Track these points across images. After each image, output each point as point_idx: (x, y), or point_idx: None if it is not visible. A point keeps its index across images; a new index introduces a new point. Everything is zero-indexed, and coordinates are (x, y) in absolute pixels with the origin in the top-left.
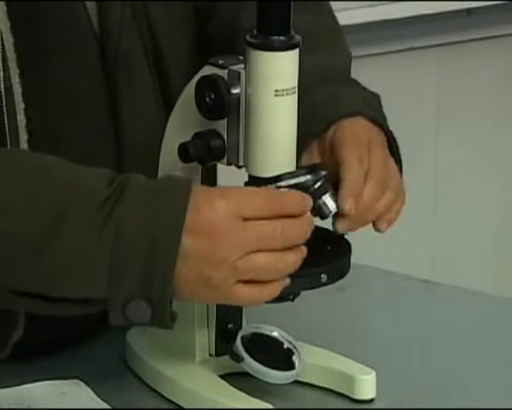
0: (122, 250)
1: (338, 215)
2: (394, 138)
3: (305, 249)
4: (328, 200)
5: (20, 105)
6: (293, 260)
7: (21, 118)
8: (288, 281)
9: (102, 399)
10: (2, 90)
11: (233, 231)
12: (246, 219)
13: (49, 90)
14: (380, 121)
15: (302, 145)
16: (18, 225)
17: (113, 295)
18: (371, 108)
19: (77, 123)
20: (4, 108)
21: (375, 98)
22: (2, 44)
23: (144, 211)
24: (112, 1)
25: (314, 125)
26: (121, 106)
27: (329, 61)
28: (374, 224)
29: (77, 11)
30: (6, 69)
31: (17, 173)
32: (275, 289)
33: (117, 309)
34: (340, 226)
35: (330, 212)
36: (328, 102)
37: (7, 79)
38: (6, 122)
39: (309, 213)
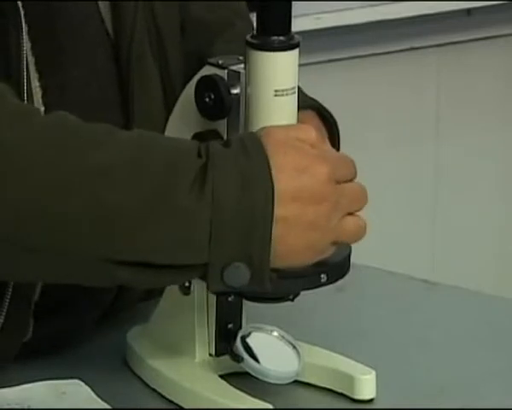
0: (220, 216)
1: None
2: (337, 127)
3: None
4: None
5: (40, 107)
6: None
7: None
8: None
9: (102, 399)
10: (25, 93)
11: (328, 197)
12: (338, 183)
13: (67, 93)
14: (327, 116)
15: None
16: (124, 198)
17: (213, 259)
18: (317, 104)
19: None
20: None
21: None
22: (20, 47)
23: (233, 174)
24: (125, 0)
25: None
26: (133, 107)
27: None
28: None
29: (90, 13)
30: (28, 74)
31: (119, 149)
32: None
33: (216, 274)
34: None
35: None
36: None
37: (28, 82)
38: None
39: None
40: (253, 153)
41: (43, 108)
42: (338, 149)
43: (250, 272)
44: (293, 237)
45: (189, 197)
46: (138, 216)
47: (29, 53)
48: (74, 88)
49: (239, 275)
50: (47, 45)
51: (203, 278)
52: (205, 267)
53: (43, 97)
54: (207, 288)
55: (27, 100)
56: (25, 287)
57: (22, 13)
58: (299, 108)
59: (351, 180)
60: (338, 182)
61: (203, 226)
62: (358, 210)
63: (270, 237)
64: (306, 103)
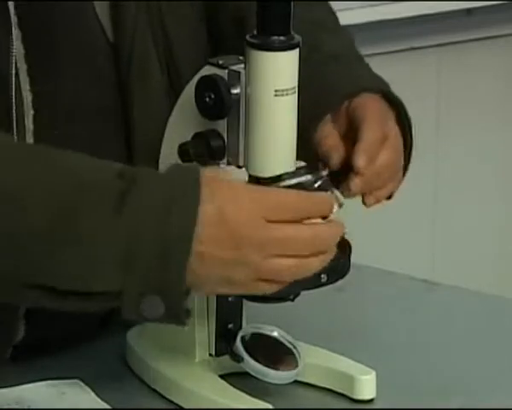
0: (136, 245)
1: (352, 175)
2: (407, 117)
3: (333, 251)
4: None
5: (30, 112)
6: (317, 265)
7: (30, 125)
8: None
9: (102, 399)
10: (13, 99)
11: (257, 234)
12: (270, 222)
13: (59, 99)
14: (392, 96)
15: (314, 119)
16: (34, 221)
17: (128, 288)
18: (384, 84)
19: (87, 130)
20: (14, 116)
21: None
22: (11, 53)
23: (155, 203)
24: (125, 0)
25: (332, 97)
26: (133, 113)
27: (339, 42)
28: (363, 195)
29: (89, 20)
30: (18, 80)
31: (29, 169)
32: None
33: (131, 303)
34: (353, 186)
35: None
36: (346, 76)
37: (17, 88)
38: (14, 128)
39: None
40: (184, 183)
41: (32, 113)
42: (408, 132)
43: (164, 305)
44: (207, 273)
45: (104, 221)
46: (46, 239)
47: (22, 60)
48: (68, 94)
49: (154, 308)
50: (41, 52)
51: (117, 305)
52: (119, 296)
53: (33, 102)
54: (122, 315)
55: (16, 104)
56: None
57: (15, 20)
58: (366, 89)
59: (293, 222)
60: (269, 221)
61: (117, 253)
62: (297, 254)
63: (184, 275)
64: (372, 86)
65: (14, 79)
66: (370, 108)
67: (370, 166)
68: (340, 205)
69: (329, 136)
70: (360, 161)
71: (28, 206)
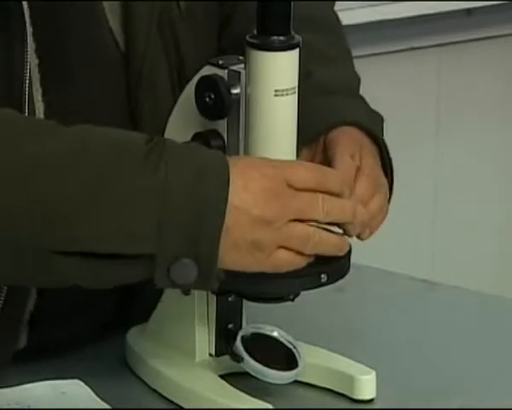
0: (170, 207)
1: None
2: (389, 156)
3: (347, 242)
4: None
5: None
6: (334, 241)
7: None
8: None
9: (102, 399)
10: (26, 111)
11: (281, 195)
12: (291, 187)
13: (71, 109)
14: (374, 133)
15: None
16: (67, 186)
17: (161, 251)
18: (369, 120)
19: None
20: None
21: (377, 116)
22: (25, 63)
23: (190, 168)
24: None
25: (310, 129)
26: (143, 125)
27: (340, 75)
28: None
29: (101, 30)
30: (31, 91)
31: (59, 138)
32: (304, 263)
33: (163, 268)
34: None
35: None
36: (327, 109)
37: (30, 99)
38: None
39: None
40: (211, 153)
41: None
42: (391, 177)
43: (197, 270)
44: (237, 237)
45: (137, 183)
46: (79, 203)
47: (35, 70)
48: (79, 105)
49: (186, 272)
50: (54, 62)
51: (149, 273)
52: (151, 261)
53: (45, 112)
54: (153, 282)
55: (28, 114)
56: (17, 296)
57: (30, 30)
58: (345, 123)
59: (311, 190)
60: (291, 186)
61: (151, 216)
62: (311, 220)
63: (220, 236)
64: (352, 120)
65: (27, 89)
66: (341, 138)
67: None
68: None
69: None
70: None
71: (60, 172)
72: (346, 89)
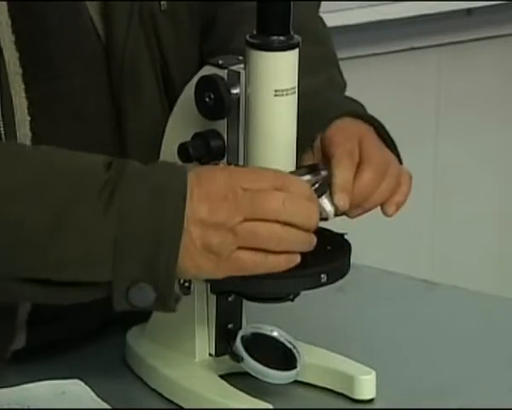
0: (126, 233)
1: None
2: (386, 131)
3: (314, 237)
4: (324, 201)
5: (26, 119)
6: (299, 236)
7: (27, 132)
8: (298, 259)
9: (102, 399)
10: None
11: (232, 196)
12: (246, 190)
13: (55, 105)
14: (368, 117)
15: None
16: (28, 215)
17: (117, 278)
18: (359, 109)
19: (82, 136)
20: (0, 121)
21: (361, 105)
22: (2, 58)
23: (143, 193)
24: (117, 13)
25: (306, 134)
26: (127, 118)
27: (320, 81)
28: (382, 207)
29: (83, 24)
30: (7, 84)
31: (23, 166)
32: (281, 261)
33: (120, 293)
34: (350, 214)
35: (330, 211)
36: (318, 109)
37: (7, 94)
38: (3, 134)
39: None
40: (171, 173)
41: (29, 119)
42: (395, 150)
43: (155, 293)
44: (188, 240)
45: (93, 213)
46: (38, 233)
47: (17, 64)
48: (63, 100)
49: (144, 296)
50: (35, 57)
51: (109, 296)
52: (109, 286)
53: (28, 109)
54: (113, 306)
55: (12, 111)
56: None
57: (9, 22)
58: (333, 117)
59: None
60: (245, 189)
61: (107, 242)
62: (268, 218)
63: (176, 259)
64: (339, 111)
65: (5, 82)
66: (336, 134)
67: (350, 198)
68: (328, 214)
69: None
70: (339, 202)
71: (20, 202)
72: (332, 86)
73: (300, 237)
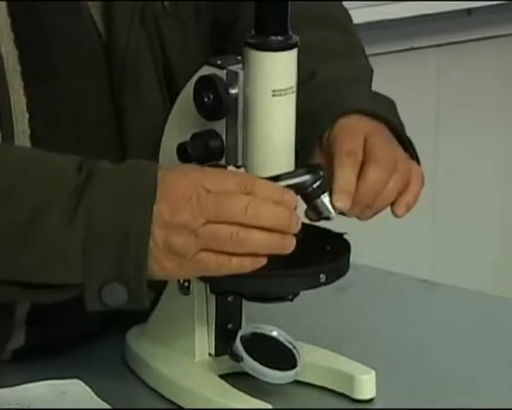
0: (93, 236)
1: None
2: (403, 131)
3: (289, 239)
4: (326, 200)
5: (24, 116)
6: (260, 237)
7: (25, 128)
8: (263, 261)
9: (102, 399)
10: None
11: (195, 198)
12: (211, 192)
13: (54, 103)
14: (380, 113)
15: (306, 152)
16: (1, 218)
17: (88, 279)
18: (373, 104)
19: (81, 136)
20: None
21: (384, 98)
22: (0, 55)
23: (111, 194)
24: (119, 14)
25: (315, 130)
26: (127, 119)
27: (344, 69)
28: (391, 208)
29: (84, 24)
30: (5, 81)
31: None
32: (245, 263)
33: (92, 293)
34: (360, 216)
35: (330, 212)
36: (329, 105)
37: (5, 90)
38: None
39: (294, 208)
40: (140, 174)
41: (27, 116)
42: (414, 152)
43: (127, 292)
44: (160, 241)
45: (63, 217)
46: (13, 238)
47: (16, 62)
48: (62, 99)
49: (116, 295)
50: (34, 55)
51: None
52: (81, 287)
53: (27, 106)
54: (86, 307)
55: (10, 109)
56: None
57: (8, 20)
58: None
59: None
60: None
61: (76, 247)
62: (232, 221)
63: (146, 258)
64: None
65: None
66: (341, 132)
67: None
68: (329, 212)
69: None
70: (339, 203)
71: None
72: (348, 80)
73: (268, 240)
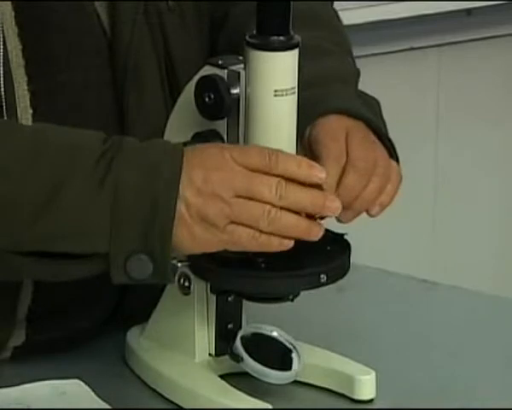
0: (122, 205)
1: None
2: (383, 130)
3: (317, 226)
4: None
5: (28, 111)
6: (291, 220)
7: (29, 124)
8: (290, 243)
9: (102, 399)
10: (3, 94)
11: (225, 167)
12: (241, 166)
13: (57, 97)
14: (360, 113)
15: None
16: (20, 189)
17: (115, 249)
18: (355, 103)
19: (87, 129)
20: (4, 113)
21: (370, 99)
22: (5, 50)
23: (140, 165)
24: (125, 1)
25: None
26: (129, 116)
27: (331, 67)
28: (367, 210)
29: (88, 19)
30: (10, 76)
31: (14, 141)
32: (273, 241)
33: (119, 265)
34: (342, 218)
35: None
36: (311, 103)
37: (10, 86)
38: None
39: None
40: (169, 151)
41: (31, 112)
42: (393, 150)
43: (152, 264)
44: (184, 209)
45: (90, 184)
46: (36, 205)
47: (20, 56)
48: (65, 94)
49: (141, 267)
50: (38, 49)
51: (106, 269)
52: (107, 258)
53: (31, 101)
54: (111, 279)
55: (15, 103)
56: (9, 290)
57: (12, 14)
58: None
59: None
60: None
61: (104, 214)
62: (261, 200)
63: (171, 231)
64: (331, 107)
65: (2, 78)
66: (323, 136)
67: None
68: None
69: None
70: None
71: (16, 175)
72: (333, 79)
73: (297, 223)
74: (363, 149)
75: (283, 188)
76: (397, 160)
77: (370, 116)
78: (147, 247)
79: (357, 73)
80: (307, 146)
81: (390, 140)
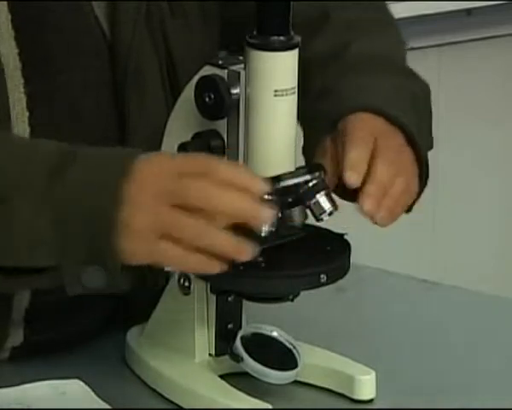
0: (65, 219)
1: (360, 194)
2: (413, 136)
3: (237, 239)
4: (322, 199)
5: (24, 113)
6: (222, 236)
7: (25, 127)
8: (224, 267)
9: (102, 399)
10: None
11: (159, 179)
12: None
13: (54, 99)
14: (395, 118)
15: (316, 139)
16: None
17: (65, 262)
18: (390, 102)
19: (81, 134)
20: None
21: (405, 93)
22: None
23: (88, 180)
24: (124, 13)
25: (330, 116)
26: (130, 118)
27: (367, 48)
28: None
29: (85, 20)
30: (4, 79)
31: None
32: (201, 262)
33: (72, 277)
34: (366, 205)
35: (324, 212)
36: (355, 92)
37: (4, 89)
38: None
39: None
40: (118, 166)
41: (27, 115)
42: (425, 166)
43: (105, 274)
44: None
45: (39, 196)
46: None
47: (17, 59)
48: (63, 95)
49: (94, 278)
50: (35, 51)
51: (59, 282)
52: (59, 271)
53: (27, 103)
54: (67, 291)
55: (9, 109)
56: (1, 292)
57: (9, 17)
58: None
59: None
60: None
61: (48, 227)
62: (193, 207)
63: (112, 237)
64: (369, 104)
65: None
66: (354, 128)
67: (368, 180)
68: (335, 208)
69: (325, 153)
70: (351, 179)
71: None
72: (382, 60)
73: (223, 238)
74: (384, 165)
75: (209, 189)
76: (426, 175)
77: (405, 121)
78: (97, 258)
79: (404, 48)
80: (339, 139)
81: (421, 153)
